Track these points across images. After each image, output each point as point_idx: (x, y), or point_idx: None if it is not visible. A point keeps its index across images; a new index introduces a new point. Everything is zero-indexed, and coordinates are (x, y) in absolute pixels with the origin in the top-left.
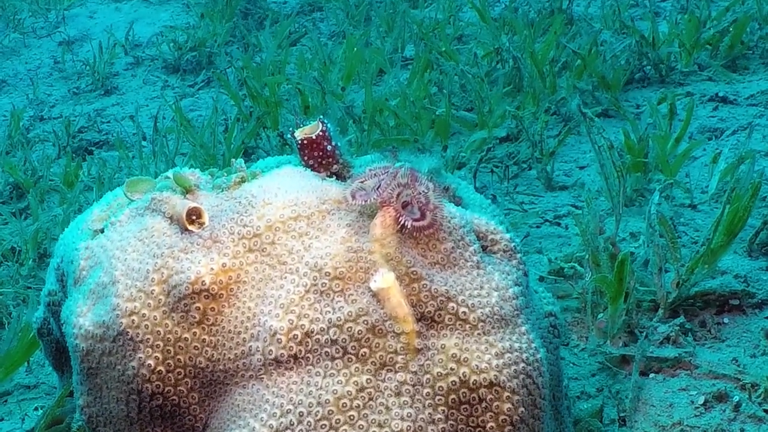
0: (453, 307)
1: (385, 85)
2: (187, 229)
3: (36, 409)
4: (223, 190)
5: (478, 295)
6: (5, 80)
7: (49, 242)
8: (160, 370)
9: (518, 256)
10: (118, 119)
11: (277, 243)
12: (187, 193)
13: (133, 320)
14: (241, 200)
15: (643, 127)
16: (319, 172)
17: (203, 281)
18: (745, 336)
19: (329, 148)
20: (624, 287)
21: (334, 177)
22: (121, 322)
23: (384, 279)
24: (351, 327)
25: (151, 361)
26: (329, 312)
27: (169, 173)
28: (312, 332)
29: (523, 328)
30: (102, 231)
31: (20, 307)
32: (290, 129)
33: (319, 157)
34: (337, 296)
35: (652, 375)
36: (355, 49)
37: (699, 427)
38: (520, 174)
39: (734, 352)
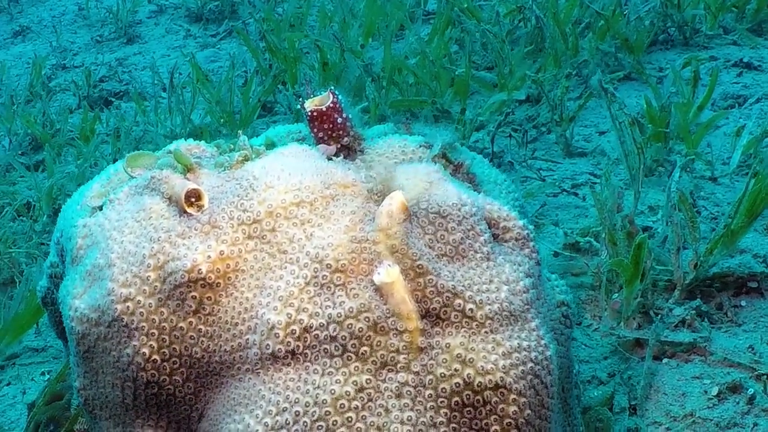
0: (460, 303)
1: (406, 41)
2: (185, 212)
3: (42, 373)
4: (225, 169)
5: (486, 290)
6: (29, 26)
7: (63, 198)
8: (155, 359)
9: (531, 244)
10: (139, 69)
11: (278, 230)
12: (188, 172)
13: (127, 306)
14: (242, 182)
15: (665, 93)
16: (329, 144)
17: (200, 270)
18: (762, 321)
19: (339, 120)
20: (640, 270)
21: (345, 149)
22: (116, 308)
23: (388, 273)
24: (351, 324)
25: (145, 350)
26: (329, 307)
27: (173, 146)
28: (311, 327)
29: (532, 324)
30: (101, 208)
31: (32, 265)
32: (300, 99)
33: (329, 130)
34: (339, 290)
35: (665, 360)
36: (377, 1)
37: (711, 420)
38: (539, 138)
39: (751, 338)
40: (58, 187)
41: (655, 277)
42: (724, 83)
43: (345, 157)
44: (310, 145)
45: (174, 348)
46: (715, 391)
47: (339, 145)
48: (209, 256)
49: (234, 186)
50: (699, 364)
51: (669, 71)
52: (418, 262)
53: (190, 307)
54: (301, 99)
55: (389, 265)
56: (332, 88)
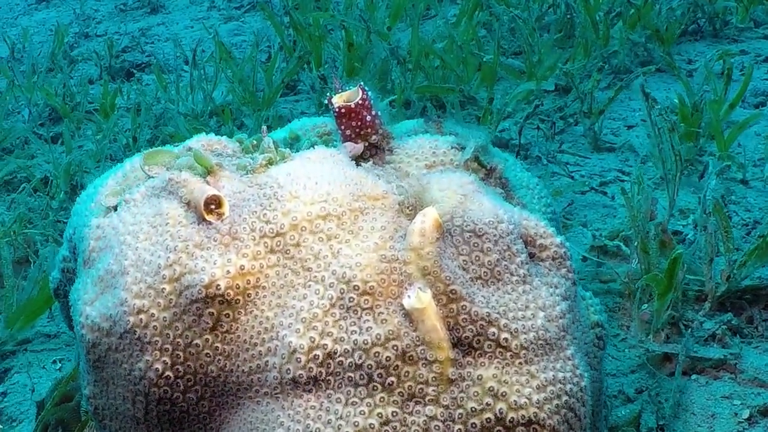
0: (494, 332)
1: (433, 23)
2: (204, 219)
3: (54, 362)
4: (248, 173)
5: (522, 317)
6: None
7: (81, 174)
8: (168, 375)
9: (568, 263)
10: (162, 40)
11: (303, 245)
12: (208, 174)
13: (141, 319)
14: (265, 190)
15: (694, 87)
16: (356, 142)
17: (218, 285)
18: None
19: (368, 118)
20: (674, 284)
21: (373, 148)
22: (129, 320)
23: (419, 298)
24: (379, 352)
25: (158, 366)
26: (355, 332)
27: (193, 140)
28: (335, 353)
29: (568, 352)
30: (115, 208)
31: (46, 245)
32: (328, 94)
33: (357, 127)
34: (366, 314)
35: (694, 376)
36: None
37: None
38: (567, 129)
39: None
40: (76, 164)
41: (685, 287)
42: (754, 79)
43: (372, 156)
44: (336, 141)
45: (189, 365)
46: (746, 414)
47: (367, 143)
48: (228, 271)
49: (257, 193)
50: (729, 383)
51: (699, 65)
52: (452, 287)
53: (207, 323)
54: (328, 94)
55: (420, 288)
56: (362, 83)
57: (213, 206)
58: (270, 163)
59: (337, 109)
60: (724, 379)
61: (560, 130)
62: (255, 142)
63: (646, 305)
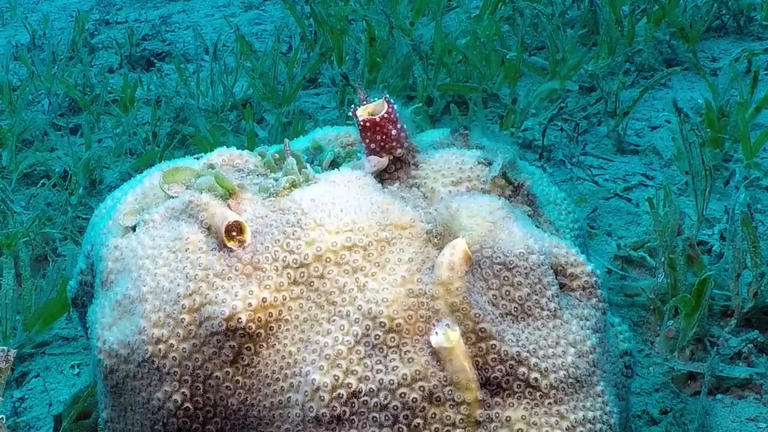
0: (524, 372)
1: (456, 17)
2: (225, 246)
3: (72, 366)
4: (270, 195)
5: (552, 354)
6: None
7: (100, 170)
8: (187, 406)
9: (598, 292)
10: (182, 28)
11: (327, 278)
12: (230, 196)
13: (159, 349)
14: (289, 216)
15: (722, 90)
16: (380, 156)
17: (239, 318)
18: None
19: (394, 132)
20: (702, 305)
21: (398, 161)
22: (147, 349)
23: (447, 336)
24: (405, 393)
25: (177, 397)
26: (381, 371)
27: (215, 154)
28: (359, 393)
29: (598, 388)
30: (134, 228)
31: (65, 243)
32: (352, 106)
33: (381, 141)
34: (392, 352)
35: (719, 396)
36: None
37: None
38: (590, 129)
39: None
40: (95, 159)
41: (710, 302)
42: None
43: (397, 170)
44: (360, 152)
45: (208, 397)
46: None
47: (392, 157)
48: (250, 304)
49: (280, 219)
50: (754, 403)
51: (724, 64)
52: (481, 325)
53: (228, 356)
54: (352, 106)
55: (448, 325)
56: (387, 95)
57: (234, 233)
58: (293, 185)
59: (361, 123)
60: (749, 399)
61: (583, 131)
62: (277, 155)
63: (671, 321)
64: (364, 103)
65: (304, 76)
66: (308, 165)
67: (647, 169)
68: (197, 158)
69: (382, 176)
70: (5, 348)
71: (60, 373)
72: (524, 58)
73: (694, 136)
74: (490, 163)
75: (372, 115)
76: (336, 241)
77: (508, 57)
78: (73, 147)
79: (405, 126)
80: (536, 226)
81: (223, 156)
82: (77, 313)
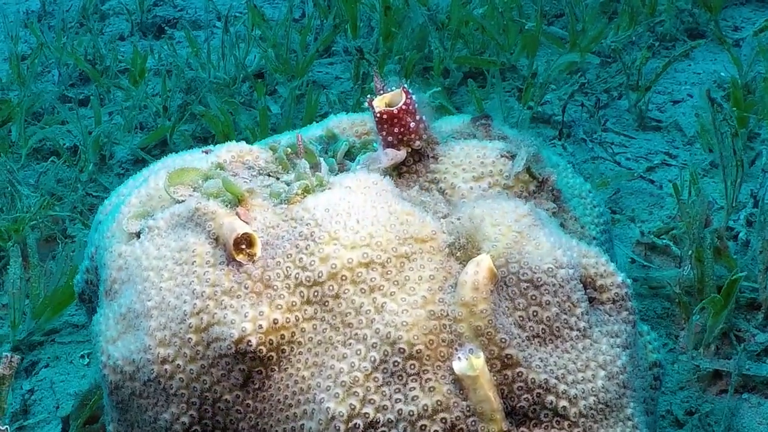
0: (551, 401)
1: None
2: (234, 260)
3: (82, 356)
4: (282, 201)
5: (582, 379)
6: None
7: (110, 145)
8: (195, 429)
9: (629, 304)
10: None
11: (342, 297)
12: (239, 202)
13: (166, 369)
14: (301, 228)
15: (742, 57)
16: (398, 149)
17: (249, 341)
18: None
19: (412, 124)
20: (730, 304)
21: (416, 154)
22: (153, 369)
23: (471, 363)
24: (426, 425)
25: (185, 419)
26: (400, 401)
27: (223, 149)
28: (377, 423)
29: (628, 411)
30: (138, 235)
31: (75, 223)
32: (368, 97)
33: (399, 134)
34: (412, 380)
35: (745, 395)
36: None
37: None
38: (611, 103)
39: None
40: (105, 135)
41: (737, 294)
42: None
43: (416, 162)
44: (376, 143)
45: (218, 420)
46: None
47: (410, 149)
48: (261, 326)
49: (292, 231)
50: None
51: (747, 34)
52: (507, 351)
53: (237, 379)
54: (368, 96)
55: (472, 351)
56: (405, 84)
57: (244, 246)
58: (306, 191)
59: (378, 115)
60: None
61: (604, 104)
62: (290, 149)
63: (697, 316)
64: (381, 92)
65: (318, 49)
66: (322, 160)
67: (670, 147)
68: (205, 152)
69: (399, 169)
70: (9, 354)
71: (69, 363)
72: (543, 28)
73: (726, 126)
74: (513, 156)
75: (389, 105)
76: (352, 258)
77: (526, 27)
78: (82, 122)
79: (424, 117)
80: (561, 224)
81: (232, 152)
82: (85, 307)
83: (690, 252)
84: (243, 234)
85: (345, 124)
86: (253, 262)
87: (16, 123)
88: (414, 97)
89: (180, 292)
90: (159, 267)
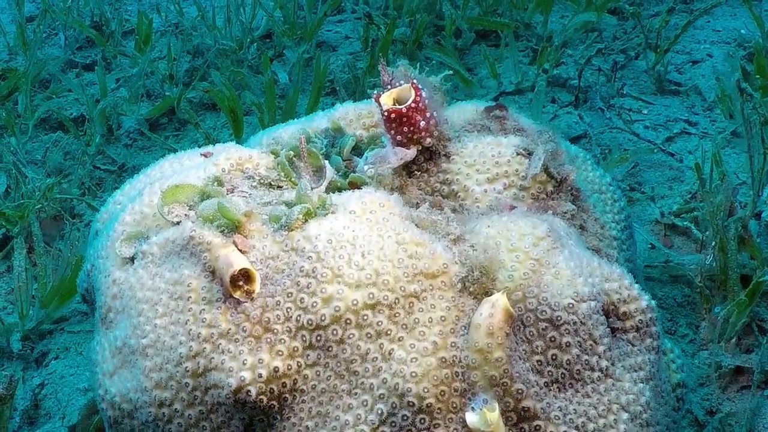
0: None
1: None
2: (231, 296)
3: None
4: (282, 227)
5: (603, 426)
6: None
7: (116, 117)
8: None
9: (653, 329)
10: None
11: (347, 342)
12: (236, 228)
13: (163, 413)
14: (303, 263)
15: (762, 13)
16: (407, 148)
17: (248, 391)
18: None
19: (422, 123)
20: (754, 302)
21: (427, 151)
22: (150, 411)
23: (485, 417)
24: None
25: None
26: None
27: (221, 158)
28: None
29: None
30: (132, 260)
31: (82, 201)
32: (375, 92)
33: (408, 133)
34: None
35: (767, 391)
36: None
37: None
38: (627, 64)
39: None
40: (111, 107)
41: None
42: None
43: (426, 160)
44: (384, 139)
45: None
46: None
47: (420, 147)
48: (260, 375)
49: (293, 265)
50: None
51: None
52: (524, 403)
53: (238, 427)
54: (375, 91)
55: (486, 402)
56: (415, 80)
57: (241, 282)
58: (308, 215)
59: (385, 114)
60: None
61: (621, 65)
62: (292, 153)
63: (719, 308)
64: (389, 87)
65: (326, 13)
66: (326, 163)
67: (689, 113)
68: (204, 155)
69: (410, 168)
70: (9, 375)
71: (79, 354)
72: None
73: (755, 115)
74: (529, 153)
75: (398, 101)
76: (357, 299)
77: None
78: (89, 90)
79: (435, 113)
80: (581, 225)
81: (231, 159)
82: (88, 307)
83: (713, 243)
84: (240, 270)
85: (351, 116)
86: (252, 299)
87: (22, 93)
88: (424, 92)
89: (175, 332)
90: (153, 300)
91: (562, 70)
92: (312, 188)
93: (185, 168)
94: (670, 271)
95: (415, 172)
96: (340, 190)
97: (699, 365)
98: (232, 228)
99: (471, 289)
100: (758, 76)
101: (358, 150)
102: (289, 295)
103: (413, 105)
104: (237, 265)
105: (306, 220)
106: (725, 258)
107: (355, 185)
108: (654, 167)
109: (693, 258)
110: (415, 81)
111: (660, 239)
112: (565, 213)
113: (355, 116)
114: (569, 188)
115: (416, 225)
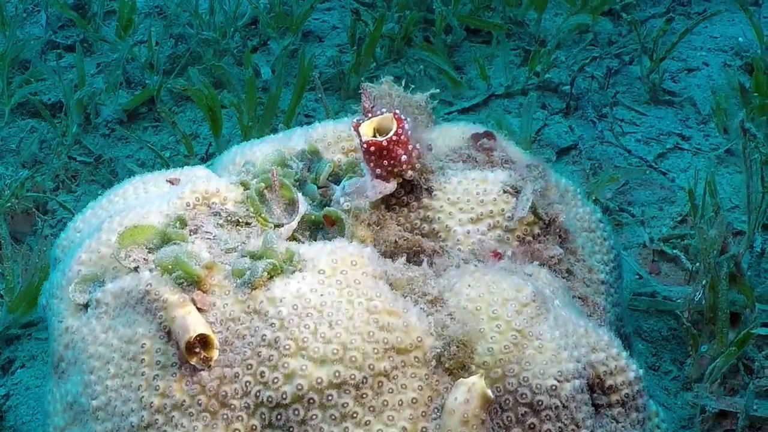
0: None
1: None
2: (187, 362)
3: None
4: (245, 284)
5: None
6: None
7: (94, 106)
8: None
9: (640, 402)
10: None
11: (309, 424)
12: (196, 283)
13: None
14: (265, 331)
15: (761, 19)
16: (387, 181)
17: None
18: None
19: (404, 157)
20: (741, 350)
21: (408, 184)
22: None
23: None
24: None
25: None
26: None
27: (187, 192)
28: None
29: None
30: (86, 306)
31: (57, 194)
32: (355, 119)
33: (389, 166)
34: None
35: None
36: None
37: None
38: (621, 69)
39: None
40: (88, 96)
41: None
42: None
43: (407, 194)
44: (362, 166)
45: None
46: None
47: (401, 180)
48: None
49: (254, 331)
50: None
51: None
52: None
53: None
54: (355, 119)
55: None
56: (397, 110)
57: (198, 348)
58: (274, 271)
59: (364, 146)
60: None
61: (615, 71)
62: (263, 185)
63: (705, 347)
64: (369, 115)
65: (312, 5)
66: (300, 196)
67: (683, 126)
68: (170, 181)
69: (389, 201)
70: None
71: (45, 363)
72: None
73: (756, 153)
74: (517, 191)
75: (378, 131)
76: (321, 377)
77: None
78: (68, 75)
79: (418, 145)
80: (568, 269)
81: (196, 192)
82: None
83: (704, 281)
84: (198, 336)
85: (330, 138)
86: (209, 367)
87: (0, 78)
88: (406, 124)
89: (127, 397)
90: (106, 358)
91: (554, 74)
92: (283, 224)
93: (150, 197)
94: (656, 305)
95: (395, 205)
96: (314, 223)
97: (682, 406)
98: (191, 281)
99: (447, 365)
100: (756, 94)
101: (335, 176)
102: (249, 367)
103: (395, 138)
104: (193, 331)
105: (271, 277)
106: (715, 296)
107: (330, 219)
108: (645, 185)
109: (680, 290)
110: (397, 112)
111: (647, 265)
112: (552, 257)
113: (333, 139)
114: (557, 230)
115: (391, 284)
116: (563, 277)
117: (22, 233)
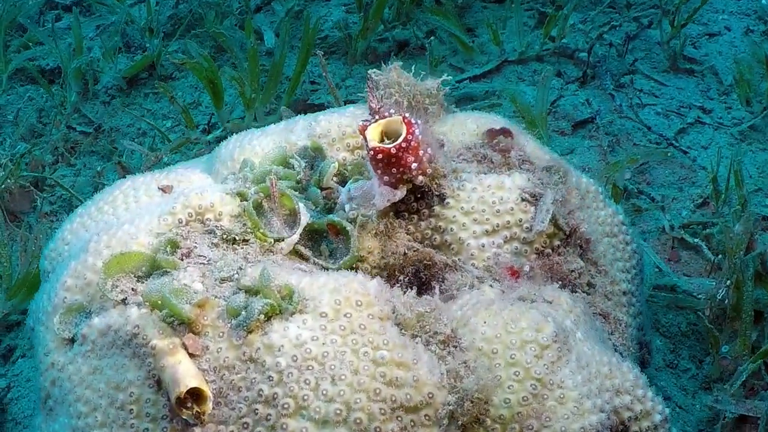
0: None
1: None
2: (178, 416)
3: None
4: (241, 326)
5: None
6: None
7: (92, 74)
8: None
9: None
10: None
11: None
12: (187, 324)
13: None
14: (262, 383)
15: None
16: (396, 188)
17: None
18: None
19: (414, 164)
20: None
21: (418, 190)
22: None
23: None
24: None
25: None
26: None
27: (179, 206)
28: None
29: None
30: (72, 341)
31: (56, 168)
32: (361, 122)
33: (397, 173)
34: None
35: None
36: None
37: None
38: (640, 34)
39: None
40: (86, 64)
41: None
42: None
43: (417, 200)
44: (370, 168)
45: None
46: None
47: (410, 186)
48: None
49: (251, 384)
50: None
51: None
52: None
53: None
54: (361, 122)
55: None
56: (407, 114)
57: (190, 403)
58: (272, 312)
59: (371, 152)
60: None
61: (633, 35)
62: (262, 195)
63: (726, 347)
64: (376, 116)
65: None
66: (301, 205)
67: (704, 98)
68: (162, 189)
69: (398, 207)
70: None
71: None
72: None
73: None
74: (535, 198)
75: (386, 134)
76: None
77: None
78: (65, 40)
79: (429, 149)
80: (589, 282)
81: (189, 207)
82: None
83: (728, 281)
84: (191, 390)
85: (335, 133)
86: (202, 422)
87: None
88: (417, 128)
89: None
90: (93, 404)
91: (570, 39)
92: (284, 238)
93: (140, 208)
94: (677, 302)
95: (404, 212)
96: (318, 231)
97: (700, 408)
98: (185, 322)
99: (460, 421)
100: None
101: (341, 176)
102: (245, 426)
103: (404, 144)
104: (184, 385)
105: (269, 318)
106: (739, 296)
107: (334, 229)
108: (664, 164)
109: (701, 283)
110: (407, 115)
111: (667, 251)
112: (572, 272)
113: (338, 135)
114: (578, 240)
115: (399, 324)
116: (584, 291)
117: (21, 211)
